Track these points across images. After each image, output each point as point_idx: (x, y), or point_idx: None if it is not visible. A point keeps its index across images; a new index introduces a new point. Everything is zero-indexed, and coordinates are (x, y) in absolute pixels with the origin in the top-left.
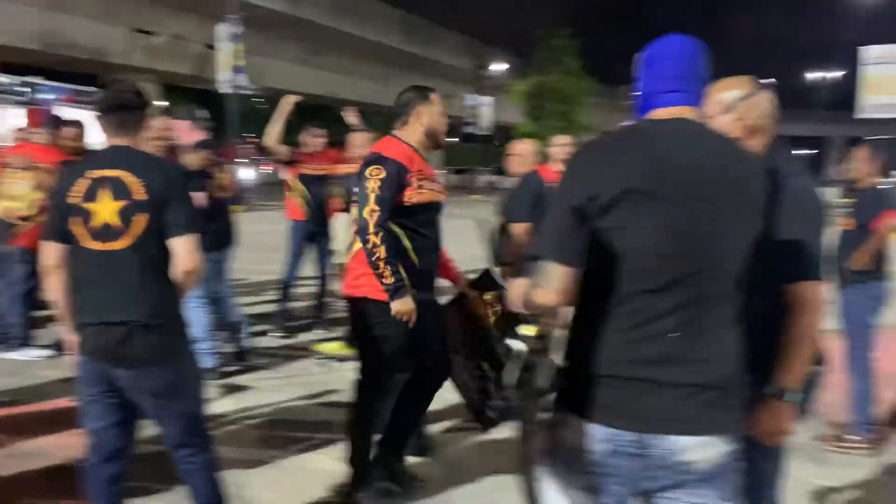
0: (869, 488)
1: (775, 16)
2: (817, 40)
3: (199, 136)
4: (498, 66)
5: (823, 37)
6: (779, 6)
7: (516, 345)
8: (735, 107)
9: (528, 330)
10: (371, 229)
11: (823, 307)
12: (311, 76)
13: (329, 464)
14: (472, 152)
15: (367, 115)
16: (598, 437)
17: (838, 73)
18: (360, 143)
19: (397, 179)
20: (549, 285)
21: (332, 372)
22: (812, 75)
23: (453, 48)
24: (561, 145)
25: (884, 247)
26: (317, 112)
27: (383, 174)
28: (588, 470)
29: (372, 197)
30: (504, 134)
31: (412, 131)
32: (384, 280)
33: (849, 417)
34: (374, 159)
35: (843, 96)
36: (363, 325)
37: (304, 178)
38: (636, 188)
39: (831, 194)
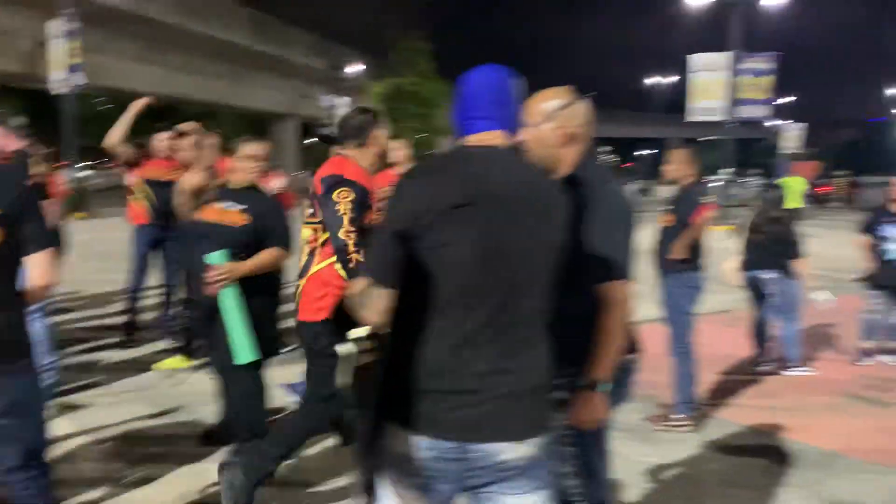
0: (693, 463)
1: (621, 23)
2: (657, 47)
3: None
4: (354, 68)
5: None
6: (626, 15)
7: (345, 347)
8: (555, 116)
9: (357, 332)
10: (352, 248)
11: (631, 304)
12: (156, 75)
13: (176, 478)
14: (329, 154)
15: (218, 116)
16: (421, 445)
17: (674, 79)
18: (186, 146)
19: (363, 202)
20: (374, 306)
21: (177, 385)
22: (651, 80)
23: (307, 48)
24: (394, 150)
25: (701, 239)
26: (164, 113)
27: (352, 196)
28: (414, 472)
29: (346, 219)
30: None
31: (366, 154)
32: None
33: (673, 398)
34: (339, 181)
35: (680, 100)
36: (323, 346)
37: (150, 182)
38: (456, 206)
39: (665, 192)
